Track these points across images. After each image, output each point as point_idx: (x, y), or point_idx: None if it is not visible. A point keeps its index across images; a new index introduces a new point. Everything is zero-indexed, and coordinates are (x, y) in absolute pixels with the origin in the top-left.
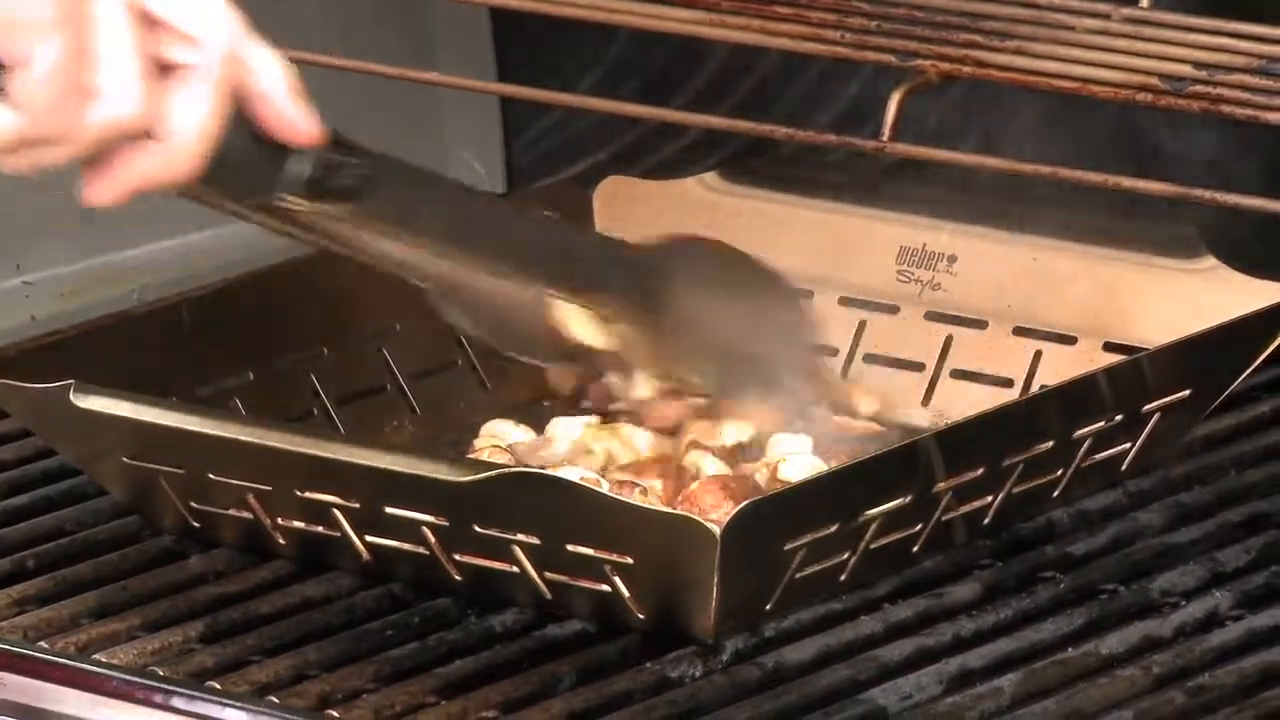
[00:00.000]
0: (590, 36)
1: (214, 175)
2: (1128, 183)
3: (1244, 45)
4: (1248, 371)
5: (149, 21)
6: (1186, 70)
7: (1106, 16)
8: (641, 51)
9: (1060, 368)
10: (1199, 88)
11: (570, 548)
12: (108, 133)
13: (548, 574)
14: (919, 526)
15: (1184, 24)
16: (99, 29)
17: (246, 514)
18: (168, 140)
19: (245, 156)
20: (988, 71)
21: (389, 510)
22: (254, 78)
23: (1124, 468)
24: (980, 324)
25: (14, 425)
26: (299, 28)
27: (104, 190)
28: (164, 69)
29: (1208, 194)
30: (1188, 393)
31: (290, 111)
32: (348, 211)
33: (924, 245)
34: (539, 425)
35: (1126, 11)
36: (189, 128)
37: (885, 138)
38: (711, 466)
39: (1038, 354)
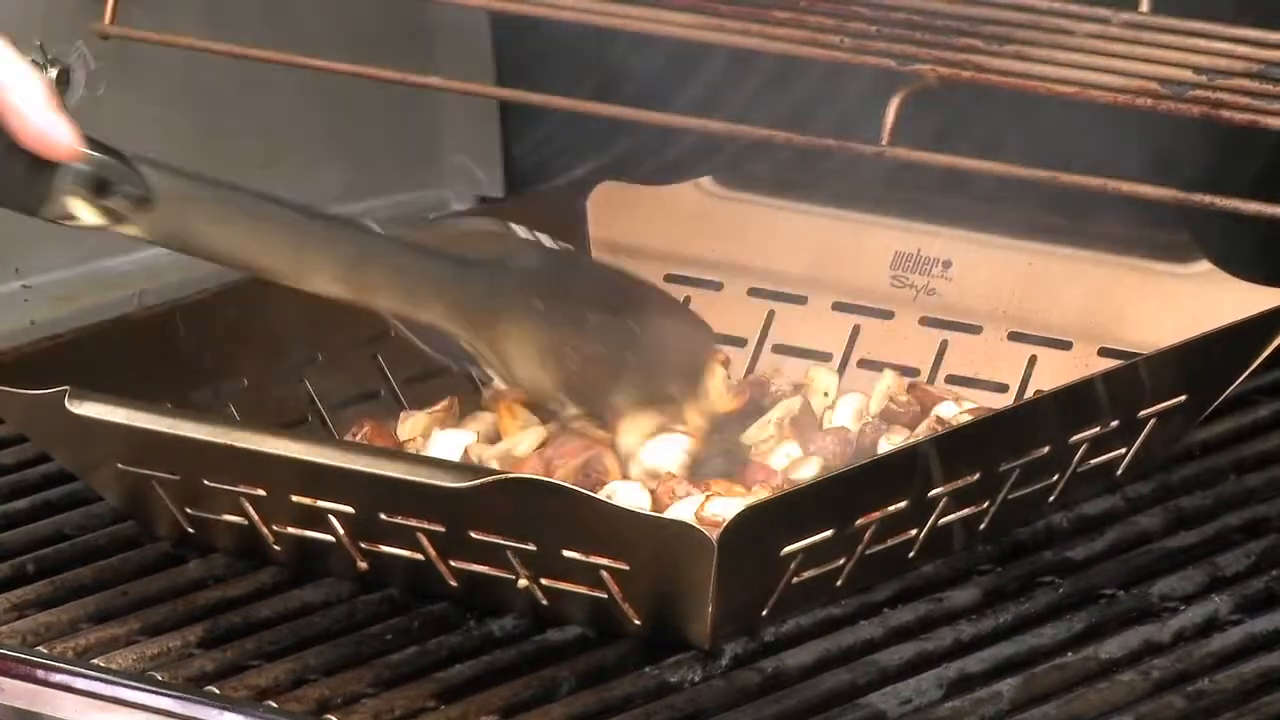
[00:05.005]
0: (589, 41)
1: None
2: (1126, 187)
3: (1243, 50)
4: (1243, 376)
5: None
6: (1186, 75)
7: (1106, 21)
8: (640, 56)
9: (1055, 373)
10: (1198, 92)
11: (566, 553)
12: None
13: (543, 580)
14: (915, 532)
15: (1183, 29)
16: None
17: (241, 520)
18: None
19: (6, 170)
20: (987, 76)
21: (384, 517)
22: (4, 92)
23: (1119, 473)
24: (975, 329)
25: (14, 429)
26: (300, 32)
27: None
28: None
29: (1206, 198)
30: (1183, 398)
31: (43, 124)
32: (144, 222)
33: (919, 250)
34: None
35: (1126, 16)
36: None
37: (884, 142)
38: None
39: (1033, 359)
